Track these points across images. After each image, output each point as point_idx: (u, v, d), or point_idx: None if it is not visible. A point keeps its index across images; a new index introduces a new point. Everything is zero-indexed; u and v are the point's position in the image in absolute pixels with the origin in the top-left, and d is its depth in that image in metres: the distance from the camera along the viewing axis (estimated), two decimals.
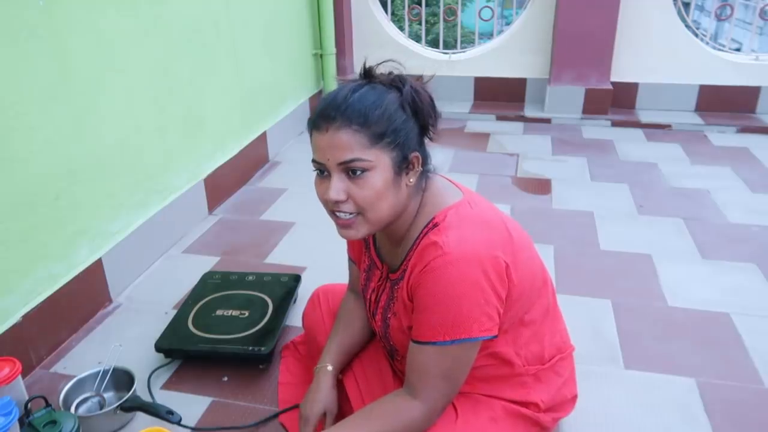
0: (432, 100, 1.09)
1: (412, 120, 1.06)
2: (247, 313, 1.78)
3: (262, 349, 1.62)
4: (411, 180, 1.08)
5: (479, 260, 1.01)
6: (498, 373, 1.19)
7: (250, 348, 1.63)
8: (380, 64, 1.09)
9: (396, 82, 1.06)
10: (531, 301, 1.17)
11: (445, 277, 1.01)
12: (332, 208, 1.05)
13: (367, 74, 1.09)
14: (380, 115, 1.01)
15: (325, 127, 1.01)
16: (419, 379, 1.09)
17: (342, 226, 1.07)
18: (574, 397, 1.34)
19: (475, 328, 1.03)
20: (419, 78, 1.11)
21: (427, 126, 1.09)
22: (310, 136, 1.05)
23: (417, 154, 1.07)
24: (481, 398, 1.20)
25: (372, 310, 1.27)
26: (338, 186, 1.02)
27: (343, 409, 1.30)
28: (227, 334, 1.69)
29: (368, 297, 1.28)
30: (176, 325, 1.74)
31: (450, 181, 1.19)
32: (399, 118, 1.03)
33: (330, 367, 1.30)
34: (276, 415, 1.49)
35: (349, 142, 0.99)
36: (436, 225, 1.07)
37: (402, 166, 1.05)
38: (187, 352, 1.68)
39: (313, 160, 1.05)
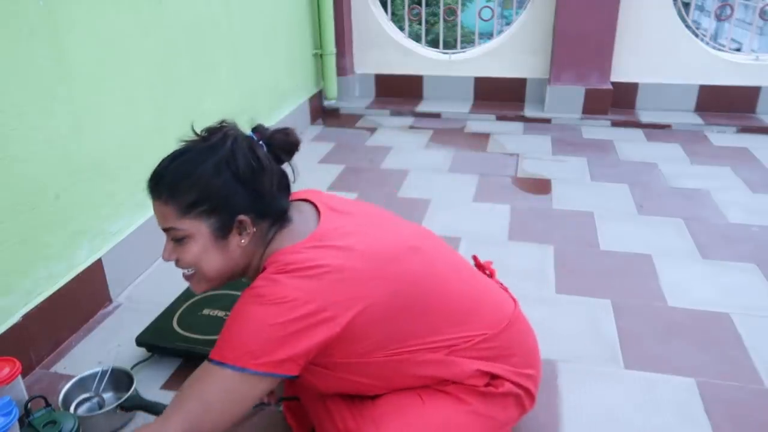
0: (257, 161, 1.04)
1: (234, 182, 1.03)
2: None
3: None
4: (243, 241, 1.07)
5: (279, 306, 0.98)
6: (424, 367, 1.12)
7: None
8: (222, 122, 1.10)
9: (218, 143, 1.05)
10: (409, 322, 1.10)
11: (241, 307, 1.02)
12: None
13: (199, 134, 1.10)
14: (190, 185, 1.03)
15: (150, 195, 1.07)
16: (176, 396, 1.04)
17: (185, 279, 1.13)
18: (533, 358, 1.26)
19: (248, 358, 0.97)
20: (277, 132, 1.09)
21: (254, 188, 1.04)
22: None
23: (243, 217, 1.05)
24: (448, 384, 1.15)
25: None
26: (167, 248, 1.09)
27: None
28: (205, 334, 1.68)
29: None
30: (161, 321, 1.76)
31: (322, 203, 1.14)
32: (216, 183, 1.03)
33: None
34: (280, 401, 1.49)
35: (163, 212, 1.05)
36: (264, 270, 1.06)
37: (225, 230, 1.06)
38: (164, 349, 1.69)
39: None
